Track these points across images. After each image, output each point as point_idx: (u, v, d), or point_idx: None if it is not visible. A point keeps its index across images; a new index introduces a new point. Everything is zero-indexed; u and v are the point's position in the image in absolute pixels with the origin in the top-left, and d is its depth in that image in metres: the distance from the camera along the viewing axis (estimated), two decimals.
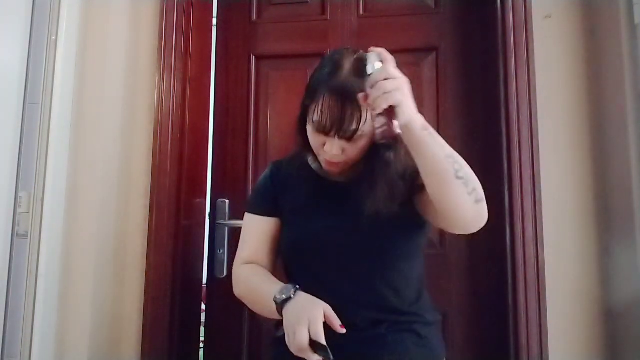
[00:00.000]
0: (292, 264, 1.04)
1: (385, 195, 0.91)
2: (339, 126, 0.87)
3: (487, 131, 1.48)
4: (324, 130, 0.90)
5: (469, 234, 0.87)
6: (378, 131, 0.80)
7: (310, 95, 0.92)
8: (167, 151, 1.46)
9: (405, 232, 0.96)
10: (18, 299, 1.24)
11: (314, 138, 0.94)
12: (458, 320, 1.46)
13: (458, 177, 0.80)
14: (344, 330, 0.84)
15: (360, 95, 0.82)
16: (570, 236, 1.31)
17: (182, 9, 1.52)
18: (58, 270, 1.30)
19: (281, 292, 0.89)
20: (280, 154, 1.58)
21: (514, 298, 1.31)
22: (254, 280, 1.00)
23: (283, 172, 1.07)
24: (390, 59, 0.83)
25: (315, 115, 0.90)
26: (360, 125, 0.87)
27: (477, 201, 0.81)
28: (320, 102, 0.88)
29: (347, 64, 0.90)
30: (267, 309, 0.93)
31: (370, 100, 0.79)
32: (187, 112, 1.51)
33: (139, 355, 1.40)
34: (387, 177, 0.92)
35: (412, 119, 0.79)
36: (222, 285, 1.56)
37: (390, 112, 0.79)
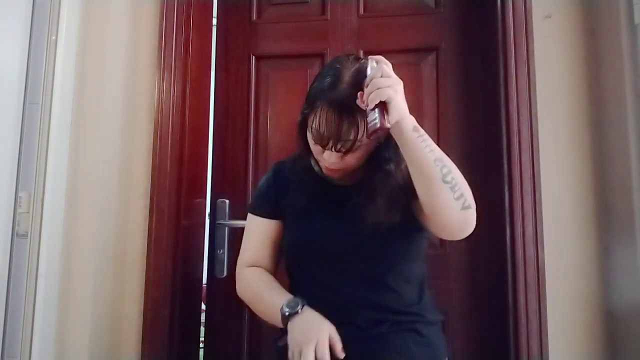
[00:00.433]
0: (293, 265, 1.05)
1: (384, 207, 0.91)
2: (336, 139, 0.88)
3: (487, 131, 1.48)
4: (321, 143, 0.91)
5: (468, 235, 0.87)
6: (369, 125, 0.82)
7: (310, 104, 0.92)
8: (167, 151, 1.46)
9: (405, 235, 0.96)
10: (18, 299, 1.24)
11: (313, 146, 0.95)
12: (458, 320, 1.46)
13: (445, 182, 0.81)
14: (343, 355, 0.87)
15: (359, 94, 0.84)
16: (570, 236, 1.31)
17: (182, 9, 1.52)
18: (58, 270, 1.30)
19: (288, 305, 0.91)
20: (280, 154, 1.58)
21: (514, 298, 1.31)
22: (260, 286, 1.01)
23: (285, 173, 1.08)
24: (387, 62, 0.85)
25: (314, 124, 0.90)
26: (358, 137, 0.88)
27: (464, 207, 0.82)
28: (319, 114, 0.89)
29: (347, 76, 0.90)
30: (271, 317, 0.95)
31: (364, 97, 0.82)
32: (187, 112, 1.51)
33: (139, 355, 1.40)
34: (387, 189, 0.92)
35: (403, 118, 0.81)
36: (222, 285, 1.56)
37: (383, 108, 0.81)
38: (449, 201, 0.81)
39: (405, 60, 1.58)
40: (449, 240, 1.47)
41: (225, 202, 1.61)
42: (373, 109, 0.81)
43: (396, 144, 0.86)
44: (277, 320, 0.93)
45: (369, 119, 0.82)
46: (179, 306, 1.46)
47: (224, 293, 1.56)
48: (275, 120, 1.65)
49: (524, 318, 1.29)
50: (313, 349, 0.84)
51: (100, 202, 1.38)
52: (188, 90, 1.52)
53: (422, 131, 0.83)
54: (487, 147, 1.48)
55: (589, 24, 1.35)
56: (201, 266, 1.63)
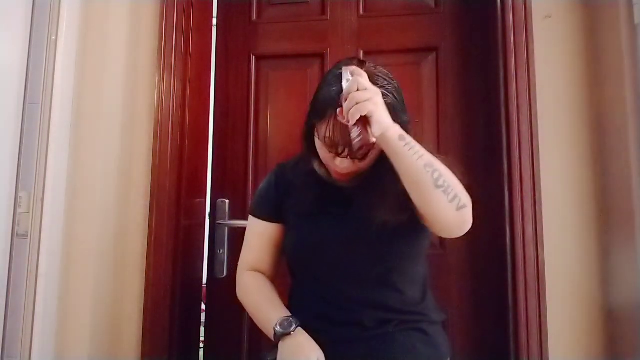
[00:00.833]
0: (296, 267, 1.06)
1: (395, 207, 0.91)
2: (351, 147, 0.87)
3: (487, 131, 1.48)
4: (335, 151, 0.91)
5: (469, 235, 0.87)
6: (354, 142, 0.82)
7: (318, 113, 0.92)
8: (167, 151, 1.46)
9: (409, 236, 0.96)
10: (18, 299, 1.23)
11: (324, 153, 0.95)
12: (458, 320, 1.46)
13: (437, 186, 0.80)
14: None
15: (338, 111, 0.84)
16: (570, 236, 1.31)
17: (182, 9, 1.52)
18: (58, 270, 1.30)
19: (281, 325, 0.93)
20: (280, 154, 1.58)
21: (514, 298, 1.31)
22: (258, 297, 1.03)
23: (288, 176, 1.08)
24: (361, 73, 0.84)
25: (326, 133, 0.90)
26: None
27: (459, 208, 0.82)
28: (331, 123, 0.88)
29: None
30: (265, 330, 0.97)
31: (344, 113, 0.81)
32: (187, 112, 1.51)
33: (139, 355, 1.40)
34: (397, 189, 0.92)
35: (386, 130, 0.81)
36: (222, 285, 1.56)
37: (365, 122, 0.81)
38: (444, 204, 0.81)
39: (405, 60, 1.58)
40: (449, 240, 1.48)
41: (225, 202, 1.61)
42: (355, 125, 0.81)
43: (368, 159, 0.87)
44: (271, 335, 0.95)
45: (353, 135, 0.82)
46: (179, 306, 1.46)
47: (224, 293, 1.56)
48: (275, 120, 1.65)
49: (524, 318, 1.29)
50: None
51: (100, 202, 1.38)
52: (188, 90, 1.52)
53: (408, 138, 0.82)
54: (487, 147, 1.48)
55: (589, 24, 1.35)
56: (201, 266, 1.64)
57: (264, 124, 1.66)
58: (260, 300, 1.02)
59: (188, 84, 1.52)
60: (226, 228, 1.60)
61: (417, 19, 1.61)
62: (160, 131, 1.46)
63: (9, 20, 1.28)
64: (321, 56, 1.63)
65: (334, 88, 0.89)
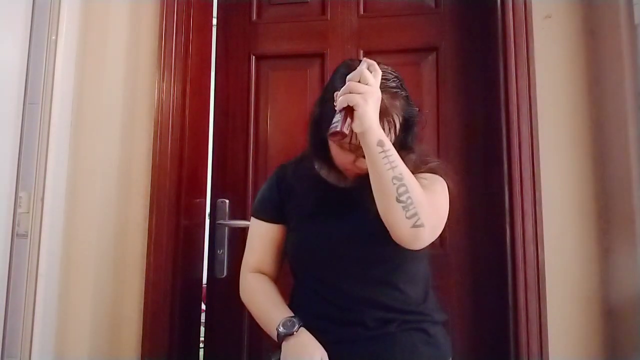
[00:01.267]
0: (298, 267, 1.06)
1: None
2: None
3: (487, 131, 1.48)
4: (356, 152, 0.91)
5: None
6: (331, 126, 0.81)
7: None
8: (167, 151, 1.46)
9: None
10: (18, 299, 1.24)
11: (342, 155, 0.95)
12: (458, 320, 1.46)
13: (399, 201, 0.81)
14: None
15: (335, 94, 0.85)
16: (570, 236, 1.31)
17: (182, 9, 1.52)
18: (58, 270, 1.30)
19: (284, 325, 0.93)
20: (280, 154, 1.58)
21: (514, 298, 1.31)
22: (261, 298, 1.03)
23: (289, 177, 1.08)
24: (377, 70, 0.85)
25: (346, 139, 0.89)
26: (393, 137, 0.90)
27: (415, 226, 0.82)
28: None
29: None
30: (269, 331, 0.97)
31: (337, 96, 0.83)
32: (187, 112, 1.51)
33: (139, 355, 1.40)
34: None
35: (368, 130, 0.81)
36: (222, 285, 1.56)
37: (348, 114, 0.81)
38: (401, 219, 0.82)
39: (405, 60, 1.58)
40: (449, 240, 1.49)
41: (225, 202, 1.61)
42: (341, 111, 0.81)
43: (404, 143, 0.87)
44: (274, 335, 0.95)
45: (334, 120, 0.82)
46: (179, 306, 1.46)
47: (224, 293, 1.56)
48: (275, 120, 1.65)
49: (524, 318, 1.29)
50: None
51: (100, 202, 1.38)
52: (188, 90, 1.51)
53: (387, 146, 0.82)
54: (487, 147, 1.48)
55: (589, 24, 1.35)
56: (201, 266, 1.63)
57: (264, 124, 1.66)
58: (263, 301, 1.03)
59: (188, 84, 1.52)
60: (226, 228, 1.60)
61: (417, 19, 1.61)
62: (160, 131, 1.46)
63: (9, 20, 1.28)
64: (321, 56, 1.63)
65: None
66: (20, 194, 1.26)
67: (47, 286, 1.26)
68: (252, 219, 1.11)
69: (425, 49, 1.59)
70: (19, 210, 1.26)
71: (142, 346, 1.40)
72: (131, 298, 1.43)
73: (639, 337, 1.16)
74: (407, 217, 0.82)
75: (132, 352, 1.41)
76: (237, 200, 1.61)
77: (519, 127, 1.34)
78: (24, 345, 1.22)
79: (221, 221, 1.60)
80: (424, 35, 1.60)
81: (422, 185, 0.90)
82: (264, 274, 1.07)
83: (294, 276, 1.08)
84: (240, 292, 1.08)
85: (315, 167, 1.04)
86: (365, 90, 0.80)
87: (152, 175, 1.46)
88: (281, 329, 0.93)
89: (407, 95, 0.95)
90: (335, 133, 0.81)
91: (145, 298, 1.42)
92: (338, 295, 0.97)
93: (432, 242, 0.91)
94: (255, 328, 1.56)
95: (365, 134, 0.81)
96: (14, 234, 1.25)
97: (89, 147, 1.37)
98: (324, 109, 0.94)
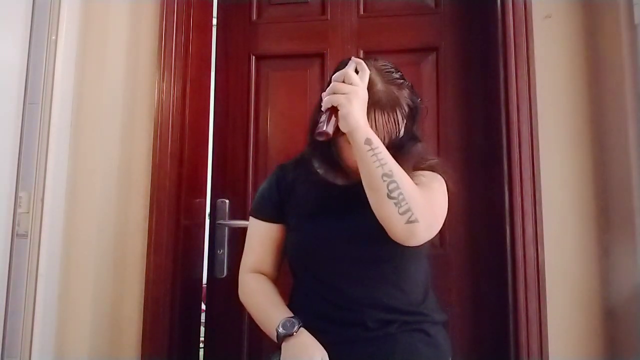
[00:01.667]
0: (298, 267, 1.06)
1: None
2: (390, 136, 0.91)
3: (487, 131, 1.48)
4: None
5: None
6: (318, 126, 0.83)
7: None
8: (167, 151, 1.46)
9: None
10: (18, 299, 1.24)
11: (349, 150, 0.94)
12: (458, 320, 1.46)
13: (390, 197, 0.82)
14: None
15: (322, 94, 0.86)
16: (570, 236, 1.31)
17: (182, 9, 1.52)
18: (58, 270, 1.30)
19: (284, 326, 0.93)
20: (280, 154, 1.58)
21: (514, 298, 1.31)
22: (260, 298, 1.03)
23: (289, 177, 1.08)
24: (365, 69, 0.87)
25: None
26: (403, 128, 0.93)
27: (409, 222, 0.83)
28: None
29: (376, 75, 0.92)
30: (268, 332, 0.97)
31: (323, 95, 0.84)
32: (187, 112, 1.51)
33: (139, 355, 1.40)
34: None
35: (355, 130, 0.82)
36: (222, 285, 1.56)
37: (332, 114, 0.82)
38: (394, 215, 0.83)
39: (405, 60, 1.57)
40: (449, 240, 1.49)
41: (225, 202, 1.61)
42: (325, 112, 0.83)
43: (403, 143, 0.89)
44: (273, 336, 0.95)
45: (320, 119, 0.84)
46: (179, 306, 1.46)
47: (224, 293, 1.56)
48: (275, 120, 1.65)
49: (524, 318, 1.29)
50: None
51: (100, 202, 1.38)
52: (188, 90, 1.51)
53: (375, 144, 0.83)
54: (487, 147, 1.48)
55: (589, 24, 1.35)
56: (201, 266, 1.63)
57: (264, 124, 1.66)
58: (262, 301, 1.02)
59: (188, 84, 1.52)
60: (226, 228, 1.60)
61: (417, 19, 1.61)
62: (160, 131, 1.46)
63: (9, 20, 1.28)
64: (321, 56, 1.63)
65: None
66: (20, 194, 1.26)
67: (47, 286, 1.26)
68: (251, 218, 1.10)
69: (425, 49, 1.60)
70: (19, 210, 1.26)
71: (142, 346, 1.40)
72: (131, 298, 1.43)
73: (639, 337, 1.16)
74: (400, 213, 0.82)
75: (132, 352, 1.41)
76: (237, 200, 1.61)
77: (519, 127, 1.34)
78: (24, 345, 1.22)
79: (221, 221, 1.60)
80: (424, 35, 1.60)
81: (421, 183, 0.90)
82: (263, 274, 1.07)
83: (293, 276, 1.07)
84: (239, 293, 1.08)
85: (315, 166, 1.04)
86: (349, 90, 0.82)
87: (152, 175, 1.46)
88: (281, 330, 0.92)
89: (411, 85, 0.97)
90: (320, 133, 0.82)
91: (145, 298, 1.42)
92: (338, 295, 0.97)
93: (432, 242, 0.91)
94: (255, 328, 1.55)
95: (352, 133, 0.82)
96: (14, 234, 1.25)
97: (89, 147, 1.37)
98: None
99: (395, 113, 0.91)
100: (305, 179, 1.04)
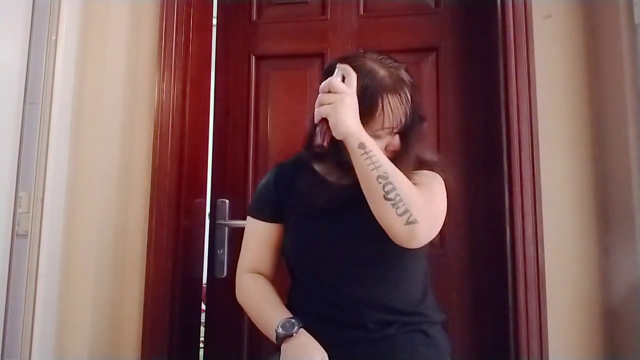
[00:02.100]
0: (296, 267, 1.05)
1: None
2: (401, 121, 0.92)
3: (487, 131, 1.48)
4: (391, 130, 0.93)
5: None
6: (316, 137, 0.85)
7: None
8: (167, 151, 1.46)
9: None
10: (18, 299, 1.24)
11: None
12: (458, 320, 1.46)
13: (387, 199, 0.83)
14: None
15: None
16: (570, 236, 1.31)
17: (182, 9, 1.52)
18: (58, 270, 1.30)
19: (283, 327, 0.93)
20: (280, 154, 1.58)
21: (514, 298, 1.31)
22: (258, 299, 1.03)
23: (287, 176, 1.07)
24: (351, 74, 0.88)
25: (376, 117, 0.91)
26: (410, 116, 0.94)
27: (409, 222, 0.83)
28: (380, 106, 0.90)
29: (375, 64, 0.94)
30: (267, 332, 0.97)
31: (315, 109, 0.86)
32: (187, 112, 1.51)
33: (139, 355, 1.40)
34: None
35: (347, 136, 0.84)
36: (222, 285, 1.56)
37: (327, 124, 0.84)
38: (392, 217, 0.83)
39: (405, 60, 1.54)
40: (449, 240, 1.49)
41: (225, 202, 1.61)
42: (320, 122, 0.85)
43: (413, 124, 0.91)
44: (272, 337, 0.94)
45: (316, 131, 0.86)
46: (179, 306, 1.46)
47: (224, 293, 1.56)
48: (275, 120, 1.65)
49: (524, 318, 1.29)
50: None
51: (100, 202, 1.38)
52: (188, 90, 1.51)
53: (369, 147, 0.84)
54: (487, 147, 1.48)
55: (589, 24, 1.35)
56: (201, 266, 1.63)
57: (264, 124, 1.66)
58: (261, 302, 1.01)
59: (188, 84, 1.52)
60: (226, 228, 1.60)
61: (417, 19, 1.61)
62: (160, 131, 1.46)
63: (9, 20, 1.28)
64: (321, 56, 1.63)
65: (380, 74, 0.92)
66: (20, 194, 1.26)
67: (47, 286, 1.26)
68: (249, 218, 1.09)
69: (425, 49, 1.59)
70: (19, 210, 1.26)
71: (142, 346, 1.40)
72: (131, 298, 1.43)
73: (639, 337, 1.16)
74: (398, 215, 0.82)
75: (132, 352, 1.41)
76: (237, 200, 1.61)
77: (519, 127, 1.34)
78: (24, 345, 1.22)
79: (221, 221, 1.60)
80: (424, 35, 1.60)
81: (420, 183, 0.90)
82: (260, 274, 1.06)
83: (291, 276, 1.07)
84: (237, 293, 1.07)
85: (314, 165, 1.04)
86: (335, 99, 0.83)
87: (152, 176, 1.46)
88: (280, 330, 0.92)
89: (405, 66, 0.99)
90: (316, 146, 0.85)
91: (145, 298, 1.42)
92: (337, 296, 0.96)
93: (432, 242, 0.91)
94: (255, 328, 1.55)
95: (346, 139, 0.84)
96: (14, 234, 1.25)
97: (89, 147, 1.37)
98: None
99: (404, 91, 0.93)
100: (304, 177, 1.03)
